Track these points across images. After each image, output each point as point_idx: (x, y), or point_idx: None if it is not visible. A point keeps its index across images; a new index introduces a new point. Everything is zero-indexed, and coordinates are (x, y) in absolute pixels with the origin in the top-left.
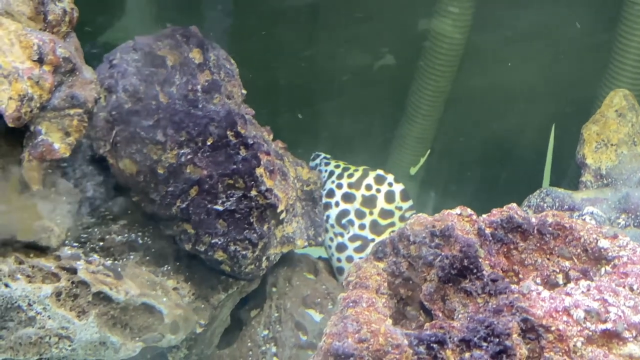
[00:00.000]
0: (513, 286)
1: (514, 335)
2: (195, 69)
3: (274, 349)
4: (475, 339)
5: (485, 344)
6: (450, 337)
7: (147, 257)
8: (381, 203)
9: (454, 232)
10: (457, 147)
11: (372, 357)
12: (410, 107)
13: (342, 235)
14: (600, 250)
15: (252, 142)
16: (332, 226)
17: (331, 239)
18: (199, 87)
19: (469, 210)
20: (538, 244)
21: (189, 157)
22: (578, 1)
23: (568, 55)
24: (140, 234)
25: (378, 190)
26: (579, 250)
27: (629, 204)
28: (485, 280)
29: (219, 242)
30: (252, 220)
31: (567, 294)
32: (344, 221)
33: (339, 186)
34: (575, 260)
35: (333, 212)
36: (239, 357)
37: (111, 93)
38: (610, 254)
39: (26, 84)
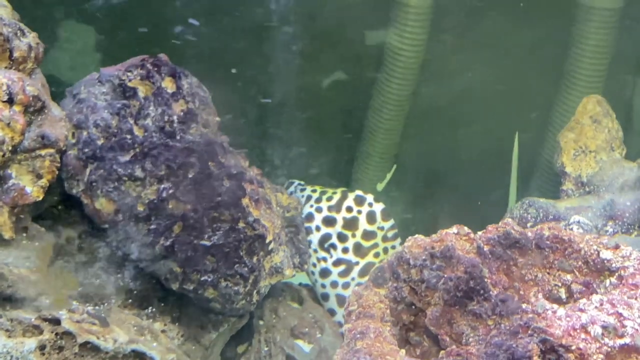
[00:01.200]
0: (524, 305)
1: (535, 358)
2: (170, 98)
3: None
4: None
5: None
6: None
7: (130, 300)
8: (363, 224)
9: (455, 253)
10: (421, 160)
11: None
12: (371, 124)
13: (325, 259)
14: (602, 261)
15: (235, 171)
16: (315, 251)
17: (314, 265)
18: (175, 117)
19: (466, 229)
20: (537, 259)
21: (170, 191)
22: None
23: (526, 64)
24: (119, 275)
25: (359, 212)
26: (579, 263)
27: (614, 211)
28: (493, 301)
29: (209, 279)
30: (241, 253)
31: (581, 310)
32: (326, 245)
33: (319, 210)
34: (577, 273)
35: (315, 237)
36: None
37: (81, 129)
38: (614, 265)
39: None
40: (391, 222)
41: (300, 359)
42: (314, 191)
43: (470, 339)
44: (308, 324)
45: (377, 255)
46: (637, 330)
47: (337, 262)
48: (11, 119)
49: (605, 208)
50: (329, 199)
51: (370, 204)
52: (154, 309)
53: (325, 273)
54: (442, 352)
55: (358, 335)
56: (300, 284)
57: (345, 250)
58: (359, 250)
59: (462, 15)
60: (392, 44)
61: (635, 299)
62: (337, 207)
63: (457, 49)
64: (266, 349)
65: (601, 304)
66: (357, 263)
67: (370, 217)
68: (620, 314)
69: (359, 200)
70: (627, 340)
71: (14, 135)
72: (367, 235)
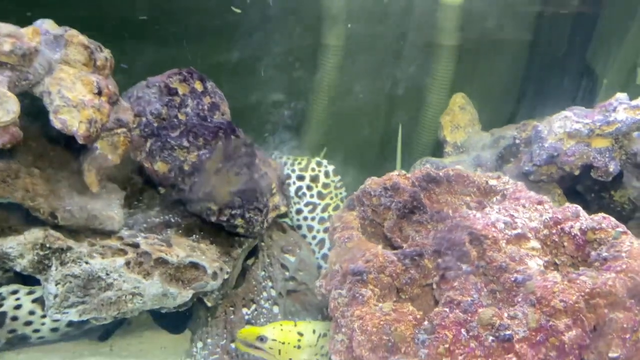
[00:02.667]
0: (451, 213)
1: (467, 244)
2: (200, 94)
3: (270, 284)
4: (443, 249)
5: (450, 252)
6: (425, 251)
7: (180, 231)
8: (322, 179)
9: (400, 185)
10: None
11: (376, 271)
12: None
13: (298, 203)
14: (490, 187)
15: (249, 141)
16: (292, 197)
17: (291, 206)
18: (205, 107)
19: (403, 172)
20: (447, 188)
21: (207, 155)
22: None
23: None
24: (172, 214)
25: (319, 171)
26: (474, 189)
27: (480, 161)
28: (429, 213)
29: (238, 212)
30: (257, 194)
31: (488, 214)
32: (299, 193)
33: (293, 171)
34: (472, 196)
35: (291, 188)
36: (248, 292)
37: (140, 117)
38: (498, 188)
39: (91, 111)
40: (339, 177)
41: (289, 266)
42: (288, 158)
43: (417, 239)
44: (291, 244)
45: (331, 198)
46: (524, 224)
47: (306, 204)
48: (100, 105)
49: (474, 160)
50: (299, 163)
51: (325, 166)
52: (197, 236)
53: (299, 211)
54: (404, 244)
55: (346, 239)
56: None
57: (311, 195)
58: (320, 195)
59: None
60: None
61: (518, 207)
62: (305, 168)
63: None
64: (267, 260)
65: (499, 211)
66: (319, 204)
67: (326, 174)
68: (513, 215)
69: (318, 164)
70: (519, 230)
71: (102, 117)
72: (325, 185)
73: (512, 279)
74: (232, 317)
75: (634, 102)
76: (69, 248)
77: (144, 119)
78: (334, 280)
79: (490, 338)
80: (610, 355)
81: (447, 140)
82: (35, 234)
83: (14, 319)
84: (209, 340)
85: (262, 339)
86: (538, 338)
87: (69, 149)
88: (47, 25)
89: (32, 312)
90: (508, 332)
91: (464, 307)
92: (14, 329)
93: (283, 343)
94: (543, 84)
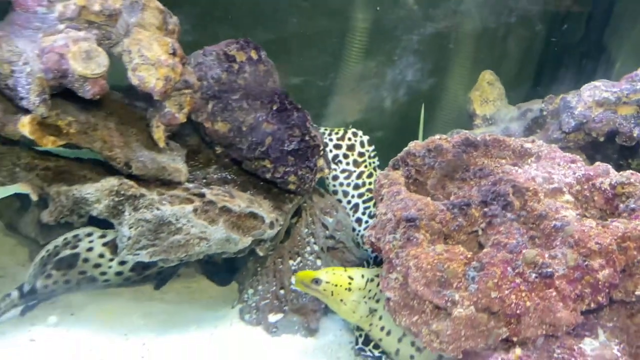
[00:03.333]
0: (493, 170)
1: (511, 195)
2: (256, 62)
3: (312, 240)
4: (489, 199)
5: (495, 202)
6: (472, 201)
7: (236, 187)
8: (358, 148)
9: (443, 146)
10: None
11: (428, 218)
12: None
13: (335, 170)
14: (525, 149)
15: (299, 106)
16: (329, 164)
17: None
18: (261, 73)
19: (444, 135)
20: (484, 152)
21: (263, 117)
22: None
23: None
24: (227, 172)
25: (355, 140)
26: (510, 152)
27: (509, 132)
28: (472, 170)
29: (291, 170)
30: (308, 154)
31: (528, 171)
32: (336, 160)
33: (330, 140)
34: (508, 159)
35: (329, 155)
36: (294, 246)
37: (201, 80)
38: (533, 150)
39: (166, 69)
40: (372, 147)
41: (328, 225)
42: (325, 129)
43: (460, 194)
44: (329, 206)
45: (365, 166)
46: (560, 180)
47: (342, 171)
48: (174, 65)
49: (503, 131)
50: (337, 133)
51: (361, 136)
52: (251, 192)
53: (335, 177)
54: (451, 196)
55: (395, 193)
56: None
57: (347, 163)
58: (355, 163)
59: None
60: None
61: (554, 165)
62: (342, 138)
63: None
64: (310, 219)
65: (537, 168)
66: (354, 171)
67: (362, 144)
68: (549, 172)
69: (354, 134)
70: (555, 185)
71: (175, 76)
72: (360, 154)
73: (552, 225)
74: (280, 267)
75: None
76: (142, 195)
77: (204, 83)
78: (387, 226)
79: (534, 275)
80: (637, 293)
81: (476, 113)
82: (111, 182)
83: (85, 260)
84: (259, 287)
85: (316, 281)
86: (575, 275)
87: (135, 107)
88: None
89: (101, 255)
90: (549, 270)
91: (510, 248)
92: (84, 270)
93: (335, 285)
94: (561, 66)
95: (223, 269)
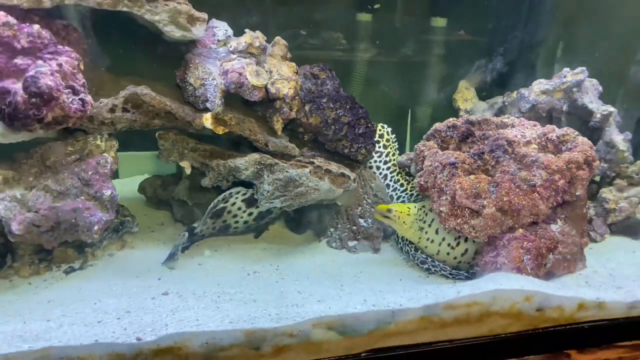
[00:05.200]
0: (491, 135)
1: (506, 145)
2: (332, 78)
3: (366, 196)
4: (494, 148)
5: (497, 149)
6: (484, 151)
7: (322, 159)
8: (386, 135)
9: (457, 124)
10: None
11: (461, 162)
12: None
13: None
14: (504, 122)
15: (362, 105)
16: None
17: None
18: (337, 85)
19: (454, 119)
20: (479, 127)
21: (341, 112)
22: None
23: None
24: (315, 151)
25: (384, 130)
26: (494, 125)
27: None
28: (477, 136)
29: (362, 146)
30: (371, 135)
31: (511, 132)
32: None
33: None
34: (493, 130)
35: None
36: (355, 200)
37: (298, 90)
38: (508, 122)
39: (293, 82)
40: (394, 135)
41: (373, 187)
42: None
43: (471, 150)
44: (370, 175)
45: (390, 148)
46: (529, 135)
47: (376, 152)
48: (297, 80)
49: None
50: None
51: (387, 127)
52: (322, 158)
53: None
54: (468, 149)
55: (435, 152)
56: None
57: (379, 146)
58: (384, 147)
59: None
60: None
61: (524, 129)
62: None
63: None
64: (362, 182)
65: (514, 131)
66: (384, 152)
67: (388, 133)
68: (522, 132)
69: (382, 126)
70: (528, 138)
71: (297, 87)
72: (387, 140)
73: (530, 159)
74: (351, 212)
75: (574, 71)
76: (276, 163)
77: (300, 93)
78: (435, 171)
79: (525, 186)
80: (576, 193)
81: (460, 108)
82: (254, 156)
83: (229, 212)
84: (339, 226)
85: (389, 210)
86: (547, 184)
87: (254, 110)
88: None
89: (239, 208)
90: (533, 181)
91: (511, 173)
92: (225, 219)
93: (400, 212)
94: (512, 71)
95: (300, 223)
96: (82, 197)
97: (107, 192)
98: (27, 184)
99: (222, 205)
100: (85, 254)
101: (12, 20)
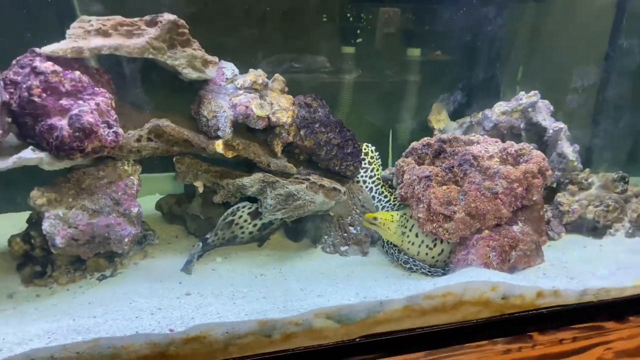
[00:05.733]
0: (459, 151)
1: (472, 159)
2: (323, 106)
3: (355, 206)
4: (462, 163)
5: (465, 164)
6: (454, 165)
7: (316, 176)
8: (370, 153)
9: (432, 143)
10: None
11: (435, 175)
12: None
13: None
14: (470, 140)
15: (347, 127)
16: None
17: None
18: (327, 112)
19: (430, 138)
20: (449, 144)
21: (331, 135)
22: None
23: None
24: (310, 169)
25: (369, 149)
26: (462, 143)
27: None
28: (448, 152)
29: (350, 164)
30: (358, 154)
31: (477, 148)
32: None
33: None
34: (462, 146)
35: None
36: (345, 210)
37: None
38: (474, 140)
39: (291, 112)
40: (377, 152)
41: (360, 199)
42: None
43: (444, 164)
44: (358, 189)
45: (374, 164)
46: (492, 151)
47: (362, 167)
48: (294, 110)
49: None
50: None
51: (371, 146)
52: (316, 175)
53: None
54: (439, 163)
55: (413, 167)
56: None
57: (364, 162)
58: (369, 163)
59: None
60: None
61: (487, 145)
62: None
63: None
64: (352, 194)
65: (480, 147)
66: (369, 168)
67: (372, 151)
68: (486, 148)
69: (367, 145)
70: (490, 153)
71: (294, 115)
72: (372, 157)
73: (493, 171)
74: (342, 221)
75: (529, 94)
76: (277, 181)
77: (297, 120)
78: (413, 183)
79: (489, 193)
80: (533, 198)
81: (434, 127)
82: (258, 175)
83: (236, 224)
84: (331, 234)
85: (375, 218)
86: (507, 192)
87: (256, 136)
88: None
89: (245, 220)
90: (496, 190)
91: (477, 183)
92: (233, 230)
93: (385, 219)
94: (476, 93)
95: (298, 232)
96: (114, 214)
97: (135, 210)
98: (67, 204)
99: (230, 218)
100: (115, 263)
101: (58, 68)
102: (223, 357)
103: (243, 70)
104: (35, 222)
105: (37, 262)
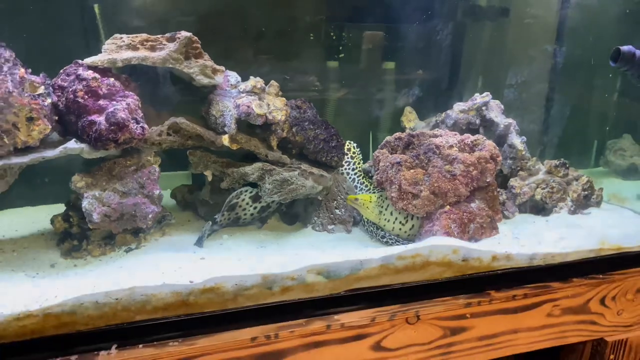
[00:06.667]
0: (425, 142)
1: (435, 148)
2: (311, 108)
3: (339, 192)
4: (427, 151)
5: (429, 152)
6: (420, 153)
7: (307, 165)
8: (352, 149)
9: (402, 136)
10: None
11: (404, 161)
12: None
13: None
14: (434, 134)
15: (332, 125)
16: None
17: None
18: (315, 112)
19: (401, 133)
20: (417, 138)
21: (318, 131)
22: None
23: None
24: (301, 160)
25: (351, 145)
26: (427, 137)
27: None
28: (416, 144)
29: (335, 155)
30: (341, 147)
31: (439, 139)
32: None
33: None
34: (428, 139)
35: None
36: (332, 195)
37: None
38: (438, 133)
39: (284, 111)
40: (359, 148)
41: (345, 187)
42: None
43: (412, 153)
44: (342, 179)
45: (356, 159)
46: (452, 141)
47: (345, 161)
48: (287, 109)
49: None
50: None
51: (352, 143)
52: (307, 165)
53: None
54: (407, 152)
55: (386, 156)
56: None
57: (347, 157)
58: (352, 157)
59: None
60: None
61: (448, 137)
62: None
63: None
64: (336, 183)
65: (442, 139)
66: (351, 162)
67: (354, 147)
68: (447, 140)
69: (349, 142)
70: (451, 143)
71: (287, 114)
72: (354, 153)
73: (452, 157)
74: (328, 204)
75: (482, 95)
76: (273, 169)
77: (289, 118)
78: (387, 169)
79: (449, 175)
80: (487, 180)
81: (406, 127)
82: (258, 165)
83: (239, 206)
84: (320, 215)
85: (356, 199)
86: (464, 174)
87: (255, 132)
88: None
89: (247, 203)
90: (454, 172)
91: (439, 167)
92: (237, 212)
93: (364, 200)
94: (441, 94)
95: (291, 216)
96: (140, 195)
97: (157, 192)
98: (101, 187)
99: (235, 200)
100: (139, 237)
101: (97, 75)
102: (234, 306)
103: (243, 79)
104: (72, 204)
105: (74, 238)
